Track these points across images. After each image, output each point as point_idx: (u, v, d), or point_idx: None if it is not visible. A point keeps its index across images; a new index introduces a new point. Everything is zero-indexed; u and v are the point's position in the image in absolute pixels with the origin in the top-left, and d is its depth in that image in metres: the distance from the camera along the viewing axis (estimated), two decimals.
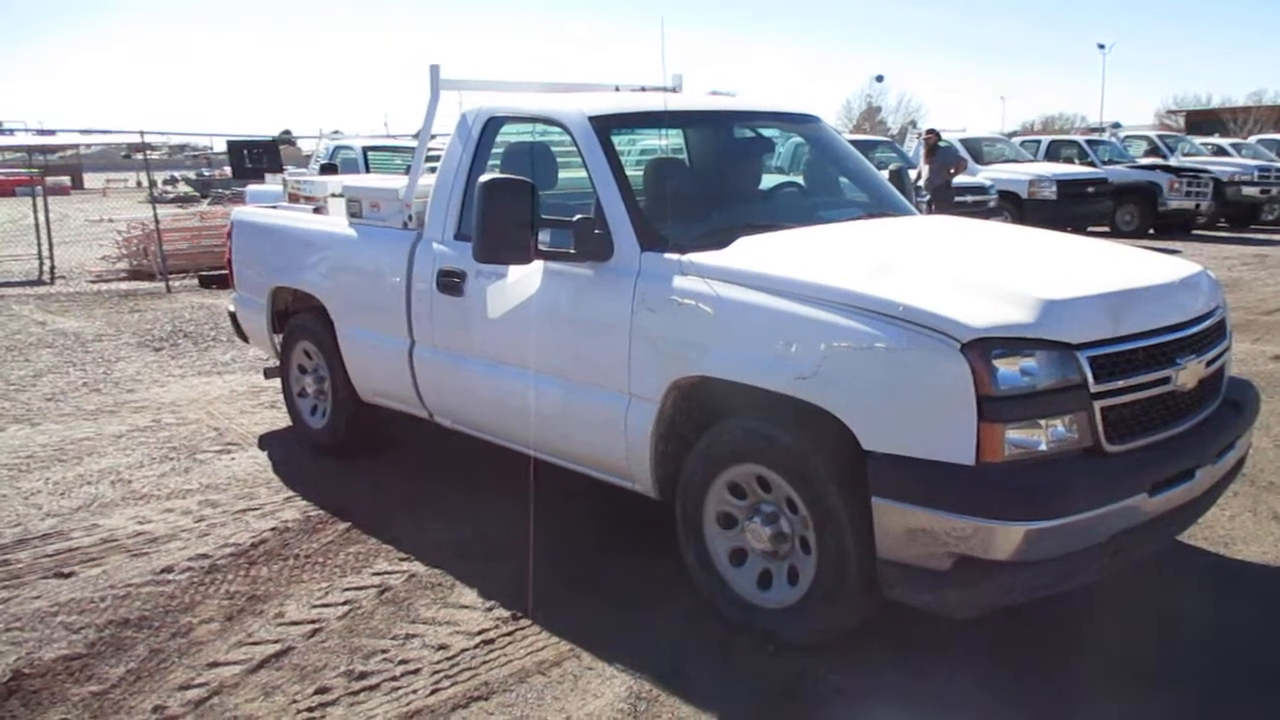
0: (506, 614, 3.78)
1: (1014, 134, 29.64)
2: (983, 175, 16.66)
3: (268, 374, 6.28)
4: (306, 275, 5.60)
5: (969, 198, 15.35)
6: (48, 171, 24.33)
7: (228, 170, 20.32)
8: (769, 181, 5.13)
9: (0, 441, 6.05)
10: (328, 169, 12.50)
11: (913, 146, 18.89)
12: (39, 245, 14.50)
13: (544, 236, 3.95)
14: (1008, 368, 2.98)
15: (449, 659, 3.47)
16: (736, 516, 3.64)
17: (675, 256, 3.74)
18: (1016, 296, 3.14)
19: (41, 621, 3.77)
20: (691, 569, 3.77)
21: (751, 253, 3.69)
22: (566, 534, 4.51)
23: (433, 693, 3.27)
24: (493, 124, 4.65)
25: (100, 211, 26.32)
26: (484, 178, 3.94)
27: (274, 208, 6.44)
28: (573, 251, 3.91)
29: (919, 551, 3.09)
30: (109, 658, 3.51)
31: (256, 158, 13.32)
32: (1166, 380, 3.30)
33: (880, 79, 65.57)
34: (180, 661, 3.48)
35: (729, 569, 3.67)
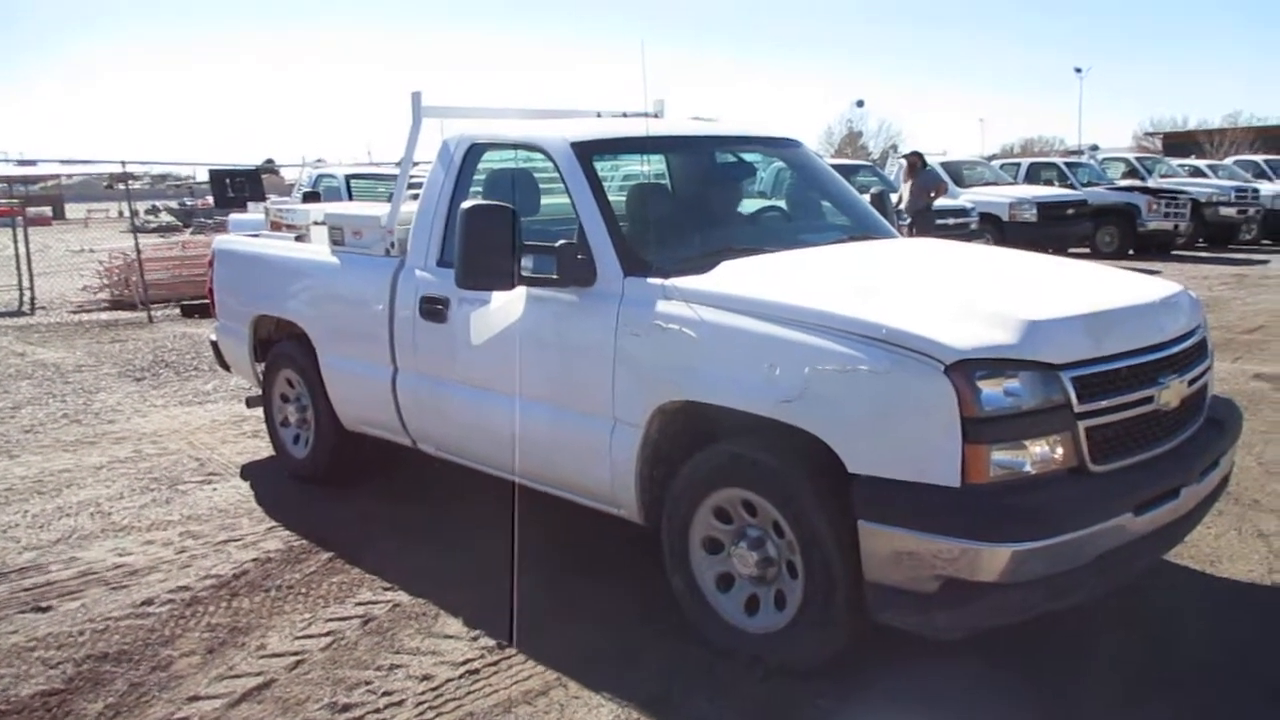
0: (491, 643, 3.74)
1: (994, 157, 29.95)
2: (964, 198, 16.77)
3: (250, 403, 6.24)
4: (289, 303, 5.58)
5: (950, 220, 15.44)
6: (28, 202, 24.30)
7: (210, 200, 20.29)
8: (752, 206, 5.16)
9: None
10: (310, 197, 12.45)
11: (894, 170, 19.05)
12: (19, 276, 14.44)
13: (527, 262, 3.94)
14: (991, 389, 2.98)
15: (433, 690, 3.43)
16: (723, 541, 3.62)
17: (658, 281, 3.74)
18: (999, 318, 3.14)
19: (18, 657, 3.71)
20: (679, 594, 3.74)
21: (734, 276, 3.69)
22: (551, 560, 4.47)
23: None
24: (474, 151, 4.67)
25: (82, 242, 26.22)
26: (466, 204, 3.95)
27: (256, 236, 6.41)
28: (555, 277, 3.91)
29: (906, 574, 3.07)
30: (87, 693, 3.45)
31: (239, 187, 13.28)
32: (1150, 400, 3.30)
33: (860, 104, 65.74)
34: (160, 696, 3.43)
35: (716, 594, 3.64)
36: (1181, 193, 18.87)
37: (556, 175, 4.24)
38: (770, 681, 3.40)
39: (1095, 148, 29.47)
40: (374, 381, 4.95)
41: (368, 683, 3.48)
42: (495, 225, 3.81)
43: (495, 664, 3.60)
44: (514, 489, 4.34)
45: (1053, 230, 17.06)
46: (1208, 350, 3.84)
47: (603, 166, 4.33)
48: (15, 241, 14.71)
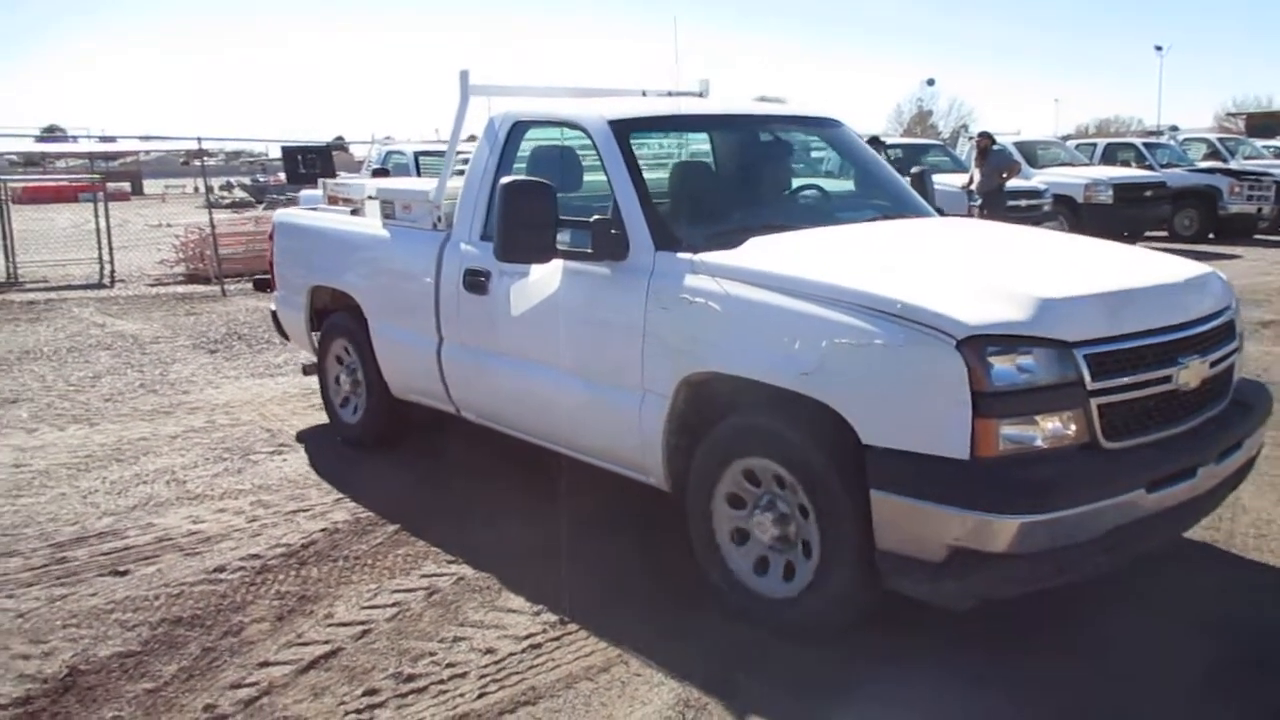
0: (554, 618, 3.76)
1: (1068, 137, 29.19)
2: (1037, 179, 16.37)
3: (306, 370, 6.58)
4: (343, 275, 5.77)
5: (1023, 202, 15.10)
6: (109, 177, 24.89)
7: (282, 176, 20.63)
8: (790, 184, 5.21)
9: (60, 441, 6.18)
10: (380, 173, 12.63)
11: (965, 150, 18.69)
12: (100, 249, 14.81)
13: (564, 236, 4.09)
14: (1003, 364, 3.04)
15: (496, 663, 3.46)
16: (746, 509, 3.70)
17: (687, 256, 3.83)
18: (1015, 295, 3.19)
19: (98, 619, 3.83)
20: (701, 561, 3.84)
21: (761, 252, 3.76)
22: (614, 536, 4.50)
23: (480, 697, 3.26)
24: (518, 128, 4.79)
25: (159, 217, 26.83)
26: (505, 180, 4.09)
27: (313, 210, 6.63)
28: (590, 251, 4.04)
29: (916, 543, 3.15)
30: (162, 655, 3.55)
31: (310, 163, 13.49)
32: (1167, 379, 3.32)
33: (931, 83, 64.55)
34: (231, 660, 3.51)
35: (738, 561, 3.73)
36: (1266, 175, 18.21)
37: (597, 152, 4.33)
38: (830, 665, 3.38)
39: (1175, 128, 28.64)
40: (420, 351, 5.11)
41: (432, 654, 3.53)
42: (533, 201, 3.96)
43: (558, 639, 3.62)
44: (575, 464, 4.36)
45: (1129, 213, 16.60)
46: (1235, 333, 3.82)
47: (648, 142, 4.52)
48: (96, 216, 15.08)
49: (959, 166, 16.91)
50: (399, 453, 5.79)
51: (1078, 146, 20.98)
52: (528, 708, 3.20)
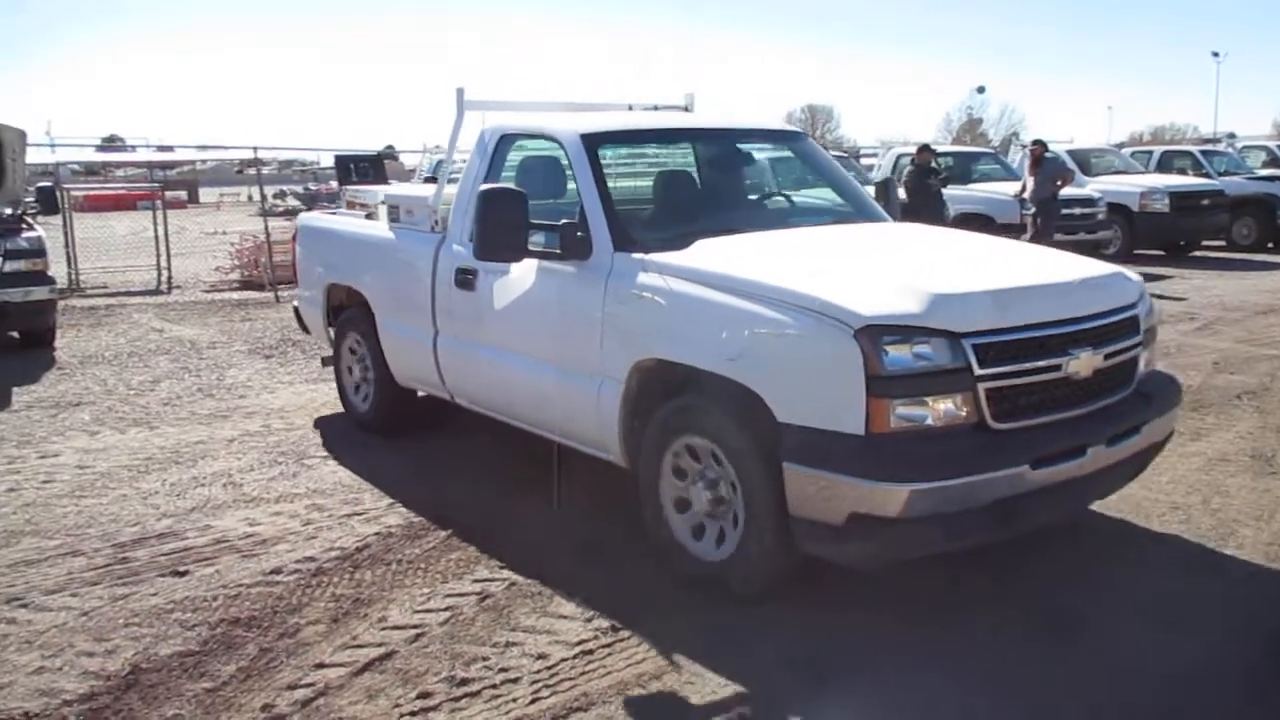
0: (605, 624, 3.77)
1: (1122, 145, 28.73)
2: (1091, 187, 16.13)
3: (324, 362, 7.09)
4: (354, 273, 6.36)
5: (1076, 210, 14.91)
6: (166, 186, 25.37)
7: (333, 184, 20.91)
8: (752, 191, 5.79)
9: (121, 443, 6.31)
10: (430, 182, 12.75)
11: (1016, 158, 18.47)
12: (158, 256, 15.09)
13: (539, 238, 4.55)
14: (897, 351, 3.41)
15: (549, 668, 3.48)
16: (686, 480, 4.11)
17: (640, 255, 4.28)
18: (913, 291, 3.57)
19: (158, 618, 3.91)
20: (650, 527, 4.26)
21: (702, 253, 4.21)
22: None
23: (533, 702, 3.27)
24: (505, 140, 5.31)
25: (214, 224, 27.35)
26: (483, 187, 4.63)
27: (332, 214, 7.33)
28: (558, 251, 4.50)
29: (821, 509, 3.52)
30: (221, 655, 3.61)
31: (363, 171, 13.62)
32: (1057, 368, 3.67)
33: (982, 90, 64.14)
34: (288, 661, 3.56)
35: (680, 528, 4.15)
36: None
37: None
38: (891, 690, 3.36)
39: (1233, 135, 28.06)
40: (419, 342, 5.62)
41: (484, 659, 3.55)
42: (507, 205, 4.41)
43: (609, 645, 3.63)
44: (606, 471, 4.38)
45: (1186, 222, 16.33)
46: (1138, 329, 4.12)
47: (621, 154, 5.11)
48: (155, 224, 15.39)
49: (1011, 175, 16.73)
50: (451, 459, 5.86)
51: (1133, 154, 20.65)
52: (580, 714, 3.21)
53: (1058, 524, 4.30)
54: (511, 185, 4.66)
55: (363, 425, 6.47)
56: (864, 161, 22.22)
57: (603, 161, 4.74)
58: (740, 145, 5.72)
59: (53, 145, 24.61)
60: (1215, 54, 55.23)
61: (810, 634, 3.69)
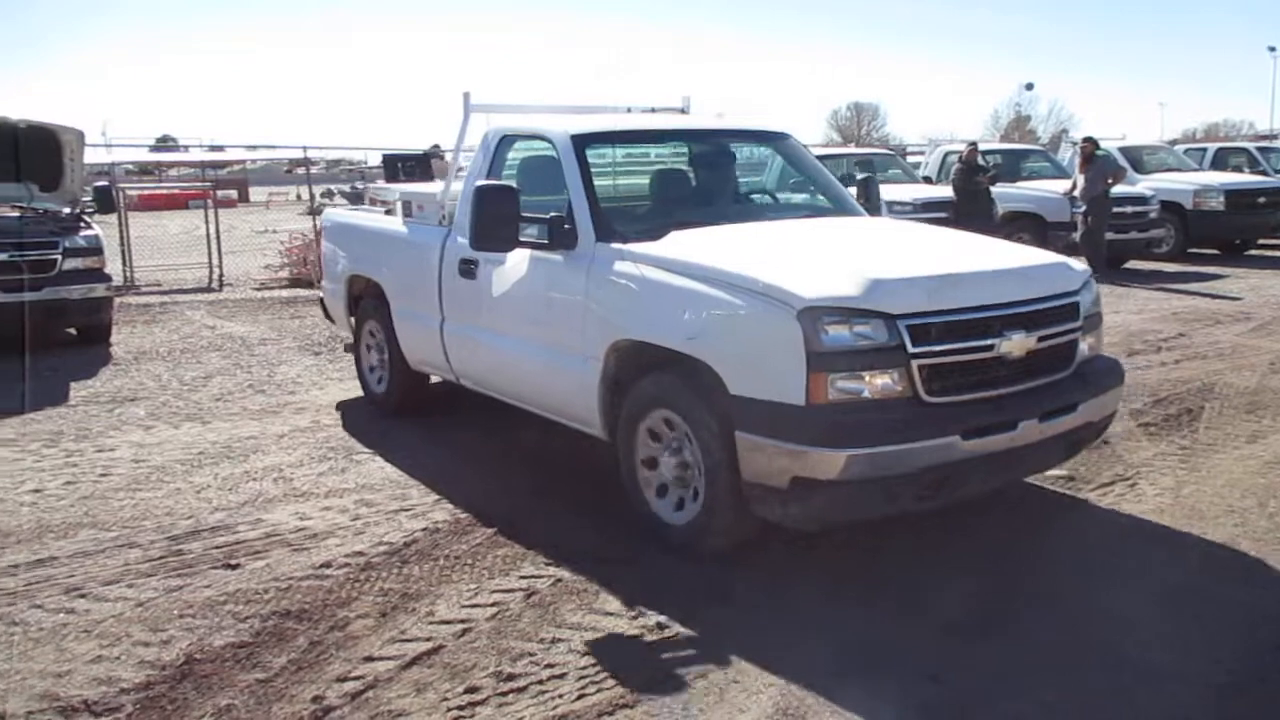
0: (651, 622, 3.78)
1: (1175, 142, 28.20)
2: (1143, 185, 15.84)
3: (346, 348, 7.53)
4: (372, 265, 6.85)
5: (1128, 208, 14.65)
6: (217, 185, 25.78)
7: (380, 183, 21.10)
8: (734, 188, 6.08)
9: (174, 438, 6.43)
10: None
11: (1066, 155, 18.20)
12: (209, 254, 15.34)
13: (532, 230, 4.89)
14: (837, 330, 3.76)
15: (595, 665, 3.49)
16: (657, 451, 4.48)
17: (619, 245, 4.66)
18: (854, 276, 3.91)
19: (212, 610, 3.97)
20: (629, 495, 4.64)
21: (673, 243, 4.58)
22: None
23: (579, 698, 3.29)
24: (505, 140, 5.72)
25: (264, 223, 27.71)
26: (478, 183, 5.07)
27: (355, 210, 7.82)
28: (546, 242, 4.87)
29: (769, 474, 3.88)
30: (272, 647, 3.67)
31: (409, 170, 13.73)
32: (990, 348, 3.98)
33: (1030, 87, 63.13)
34: (338, 654, 3.61)
35: (651, 495, 4.55)
36: None
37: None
38: (945, 689, 3.32)
39: None
40: (428, 328, 6.05)
41: (531, 654, 3.57)
42: (500, 200, 4.80)
43: (655, 643, 3.64)
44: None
45: (1241, 220, 15.99)
46: (1078, 314, 4.40)
47: (603, 154, 5.53)
48: (206, 222, 15.65)
49: (1060, 173, 16.50)
50: (498, 457, 5.90)
51: (1186, 151, 20.24)
52: (625, 711, 3.22)
53: (988, 493, 4.60)
54: (504, 182, 5.12)
55: (378, 405, 6.98)
56: (910, 159, 22.00)
57: (591, 160, 5.14)
58: (723, 145, 6.08)
59: (109, 145, 25.14)
60: (1271, 49, 54.19)
61: (848, 633, 3.68)
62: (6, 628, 3.83)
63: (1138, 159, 17.38)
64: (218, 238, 15.35)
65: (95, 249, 9.75)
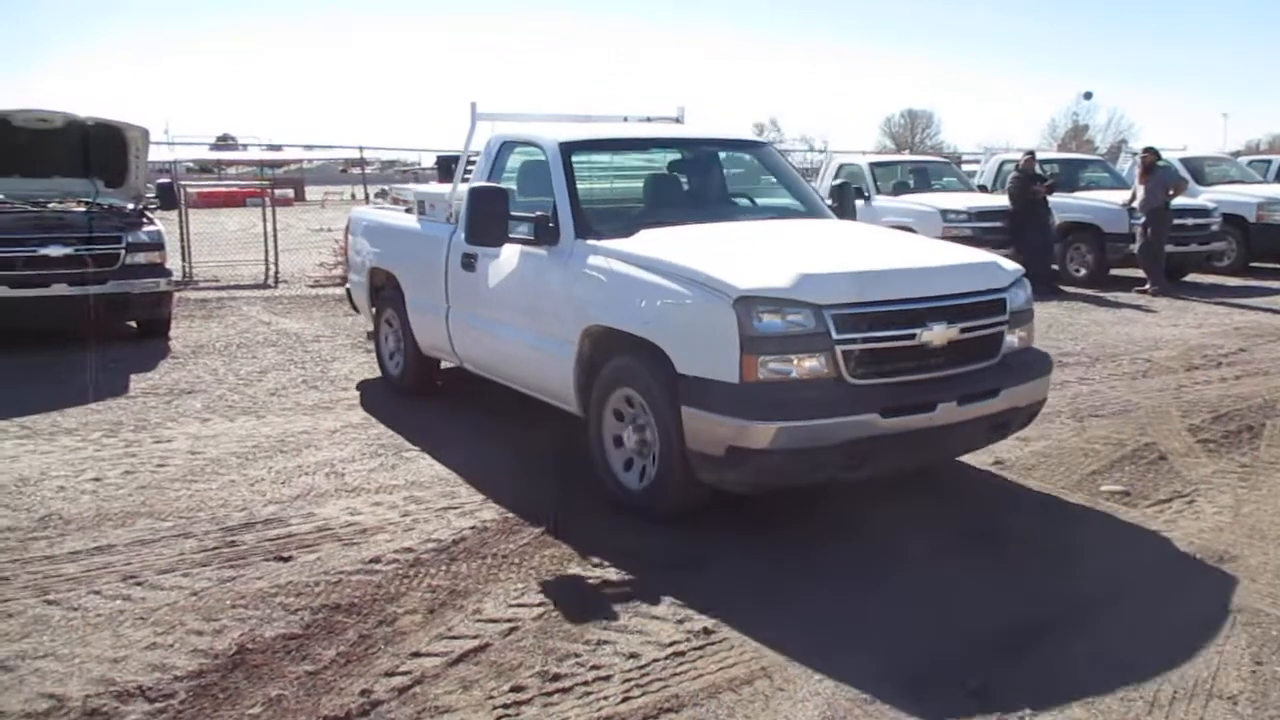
0: (698, 626, 3.77)
1: (1238, 153, 27.59)
2: (1205, 197, 15.51)
3: (369, 336, 8.21)
4: (391, 258, 7.49)
5: (1189, 220, 14.35)
6: (274, 184, 26.18)
7: (412, 185, 21.32)
8: (710, 191, 6.54)
9: (229, 431, 6.54)
10: None
11: (1125, 166, 17.87)
12: (266, 252, 15.57)
13: (523, 228, 5.40)
14: (768, 317, 4.24)
15: (640, 668, 3.49)
16: (621, 429, 4.97)
17: (594, 242, 5.21)
18: (788, 270, 4.38)
19: (264, 601, 4.03)
20: (596, 465, 5.14)
21: (638, 240, 5.09)
22: (761, 550, 4.50)
23: (624, 700, 3.29)
24: (506, 146, 6.34)
25: (319, 221, 28.11)
26: (472, 184, 5.69)
27: (378, 208, 8.60)
28: (533, 238, 5.42)
29: (708, 444, 4.33)
30: (322, 640, 3.71)
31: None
32: (912, 337, 4.40)
33: (1089, 96, 62.06)
34: (386, 649, 3.65)
35: (616, 463, 5.04)
36: None
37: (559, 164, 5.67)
38: (977, 695, 3.28)
39: None
40: (436, 316, 6.66)
41: (576, 655, 3.58)
42: (492, 200, 5.35)
43: (701, 648, 3.63)
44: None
45: None
46: (1004, 309, 4.77)
47: (590, 160, 6.01)
48: (263, 220, 15.90)
49: (1119, 183, 16.19)
50: (546, 459, 5.91)
51: (1250, 163, 19.80)
52: (670, 715, 3.21)
53: (914, 471, 5.06)
54: (495, 184, 5.72)
55: (394, 387, 7.60)
56: (965, 167, 21.75)
57: (585, 166, 5.81)
58: (702, 152, 6.63)
59: (171, 144, 25.67)
60: None
61: (898, 645, 3.64)
62: (67, 613, 3.92)
63: (1199, 170, 17.03)
64: (274, 235, 15.58)
65: (157, 244, 9.94)
